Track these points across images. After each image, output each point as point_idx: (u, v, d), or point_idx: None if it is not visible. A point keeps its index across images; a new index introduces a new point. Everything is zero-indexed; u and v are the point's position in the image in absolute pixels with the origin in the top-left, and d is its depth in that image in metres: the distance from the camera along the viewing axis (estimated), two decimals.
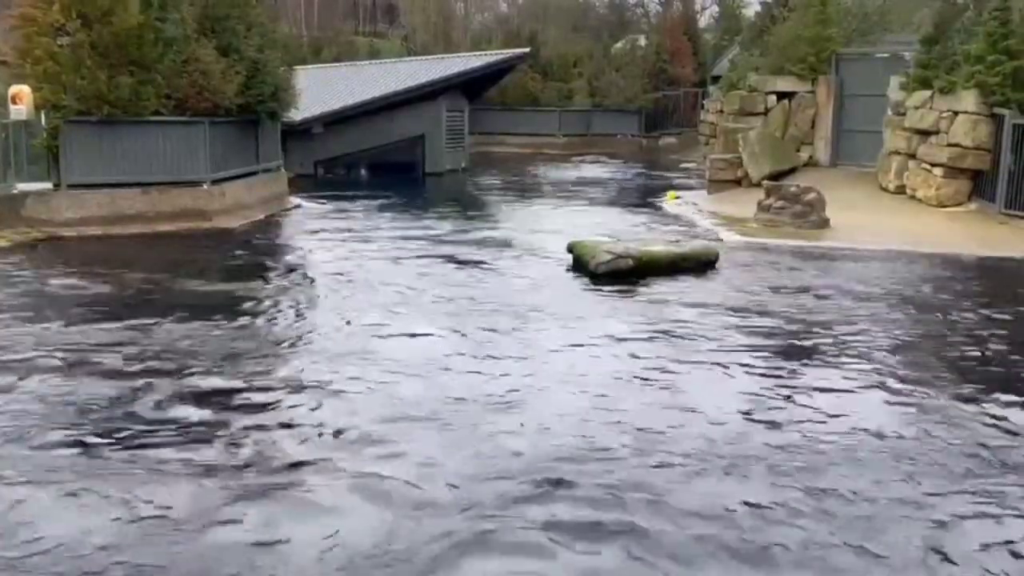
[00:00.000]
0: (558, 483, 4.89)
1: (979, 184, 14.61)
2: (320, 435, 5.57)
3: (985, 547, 4.36)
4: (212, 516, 4.52)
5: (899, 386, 6.66)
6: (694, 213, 16.01)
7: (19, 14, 12.89)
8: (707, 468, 5.16)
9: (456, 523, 4.45)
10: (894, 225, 13.80)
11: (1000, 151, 13.91)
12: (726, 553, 4.24)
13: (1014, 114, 13.76)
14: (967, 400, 6.36)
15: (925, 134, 15.23)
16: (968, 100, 14.24)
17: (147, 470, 5.01)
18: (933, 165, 14.94)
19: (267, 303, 9.05)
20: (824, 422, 5.92)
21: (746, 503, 4.71)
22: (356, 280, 10.22)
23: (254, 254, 12.18)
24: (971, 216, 14.30)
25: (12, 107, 12.46)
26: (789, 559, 4.23)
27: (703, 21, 45.62)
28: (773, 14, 21.69)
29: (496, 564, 4.18)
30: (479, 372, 6.88)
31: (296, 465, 5.13)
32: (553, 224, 14.55)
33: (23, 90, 12.50)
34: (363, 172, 22.40)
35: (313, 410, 6.02)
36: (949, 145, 14.50)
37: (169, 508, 4.57)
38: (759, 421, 5.91)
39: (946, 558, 4.25)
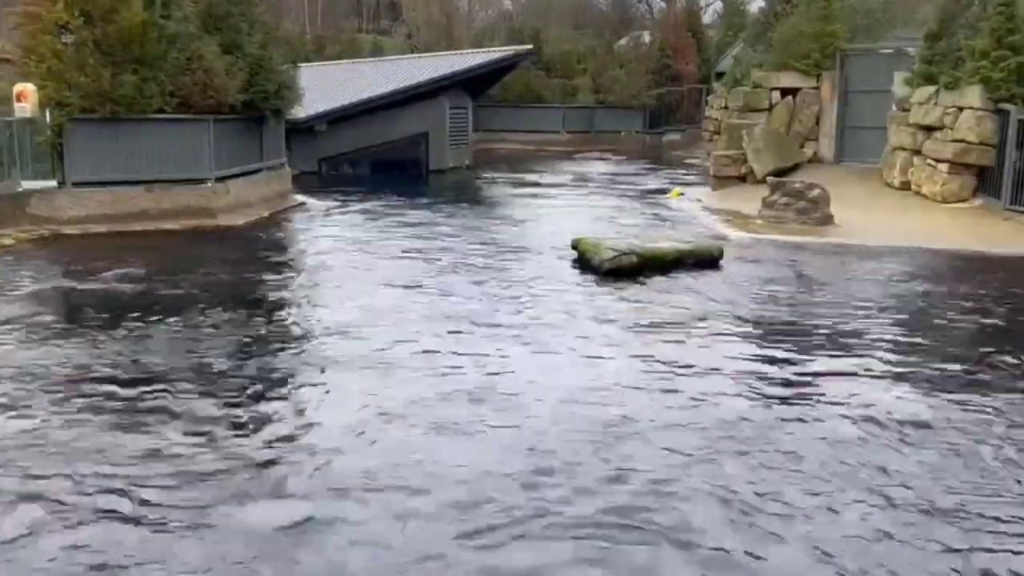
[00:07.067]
0: None
1: (984, 180, 14.57)
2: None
3: None
4: None
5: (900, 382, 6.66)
6: (698, 209, 15.99)
7: (23, 12, 12.92)
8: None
9: None
10: (898, 221, 13.77)
11: (1005, 147, 13.88)
12: None
13: (1019, 110, 13.71)
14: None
15: (930, 130, 15.20)
16: (973, 96, 14.20)
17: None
18: (938, 161, 14.91)
19: (272, 299, 9.06)
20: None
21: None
22: (358, 278, 10.21)
23: (259, 251, 12.16)
24: (976, 212, 14.26)
25: (16, 105, 12.47)
26: None
27: (707, 17, 45.51)
28: (777, 10, 21.66)
29: None
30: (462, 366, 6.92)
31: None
32: (557, 221, 14.52)
33: (27, 88, 12.51)
34: (367, 170, 22.41)
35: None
36: (954, 141, 14.46)
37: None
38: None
39: None
